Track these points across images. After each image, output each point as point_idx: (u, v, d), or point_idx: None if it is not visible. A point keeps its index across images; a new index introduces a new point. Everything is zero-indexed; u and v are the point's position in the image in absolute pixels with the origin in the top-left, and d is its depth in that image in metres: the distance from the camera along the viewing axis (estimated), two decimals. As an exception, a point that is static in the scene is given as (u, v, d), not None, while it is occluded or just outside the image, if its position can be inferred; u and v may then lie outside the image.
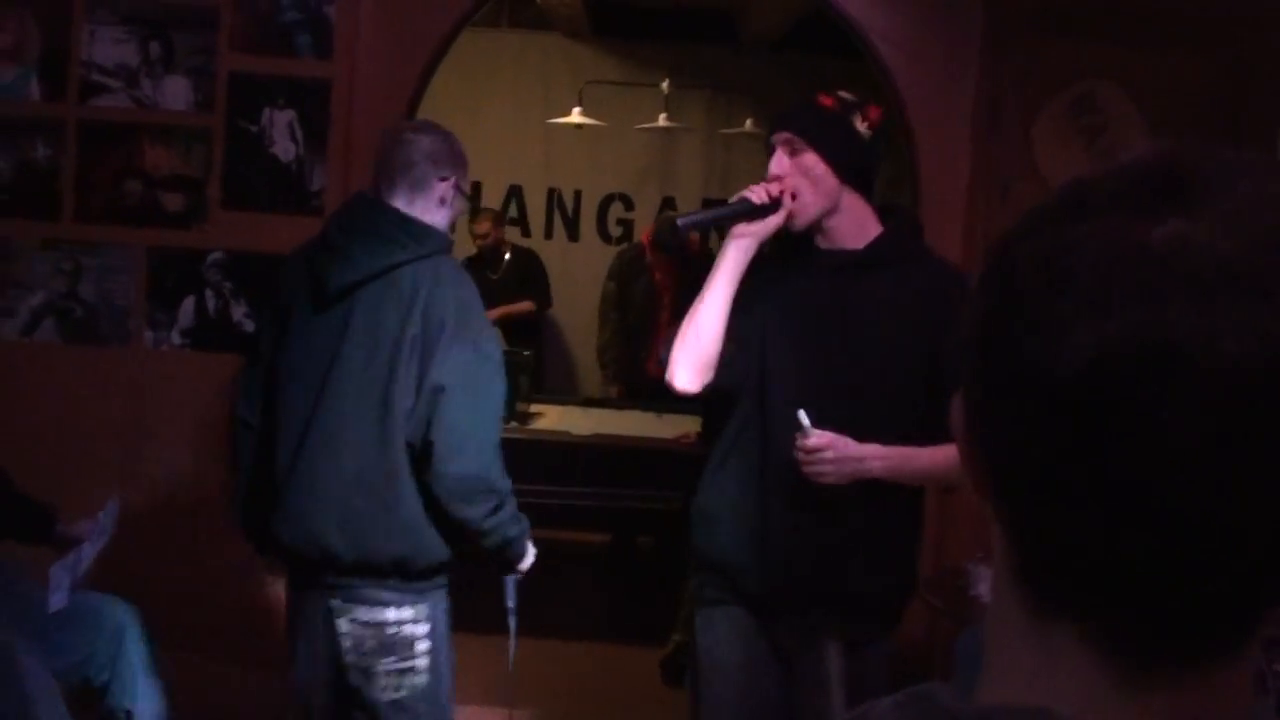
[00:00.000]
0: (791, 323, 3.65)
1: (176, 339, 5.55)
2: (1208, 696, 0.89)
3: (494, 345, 3.98)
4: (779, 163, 3.65)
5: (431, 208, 4.03)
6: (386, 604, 3.94)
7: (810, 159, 3.61)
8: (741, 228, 3.67)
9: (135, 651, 4.59)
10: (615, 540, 9.12)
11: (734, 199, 3.67)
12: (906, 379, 3.57)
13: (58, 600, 4.26)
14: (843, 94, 3.71)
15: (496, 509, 3.90)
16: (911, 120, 5.64)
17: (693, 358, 3.69)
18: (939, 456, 3.47)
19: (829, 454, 3.43)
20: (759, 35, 10.85)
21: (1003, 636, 0.97)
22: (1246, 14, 5.59)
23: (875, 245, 3.68)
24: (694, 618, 3.92)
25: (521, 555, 4.17)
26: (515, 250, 9.93)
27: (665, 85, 9.99)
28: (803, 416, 3.40)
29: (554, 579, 8.35)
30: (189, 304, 5.55)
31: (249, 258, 5.54)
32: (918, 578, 3.90)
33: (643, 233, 9.84)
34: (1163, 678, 0.89)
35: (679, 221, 3.79)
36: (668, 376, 3.70)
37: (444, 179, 4.05)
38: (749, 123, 10.38)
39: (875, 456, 3.46)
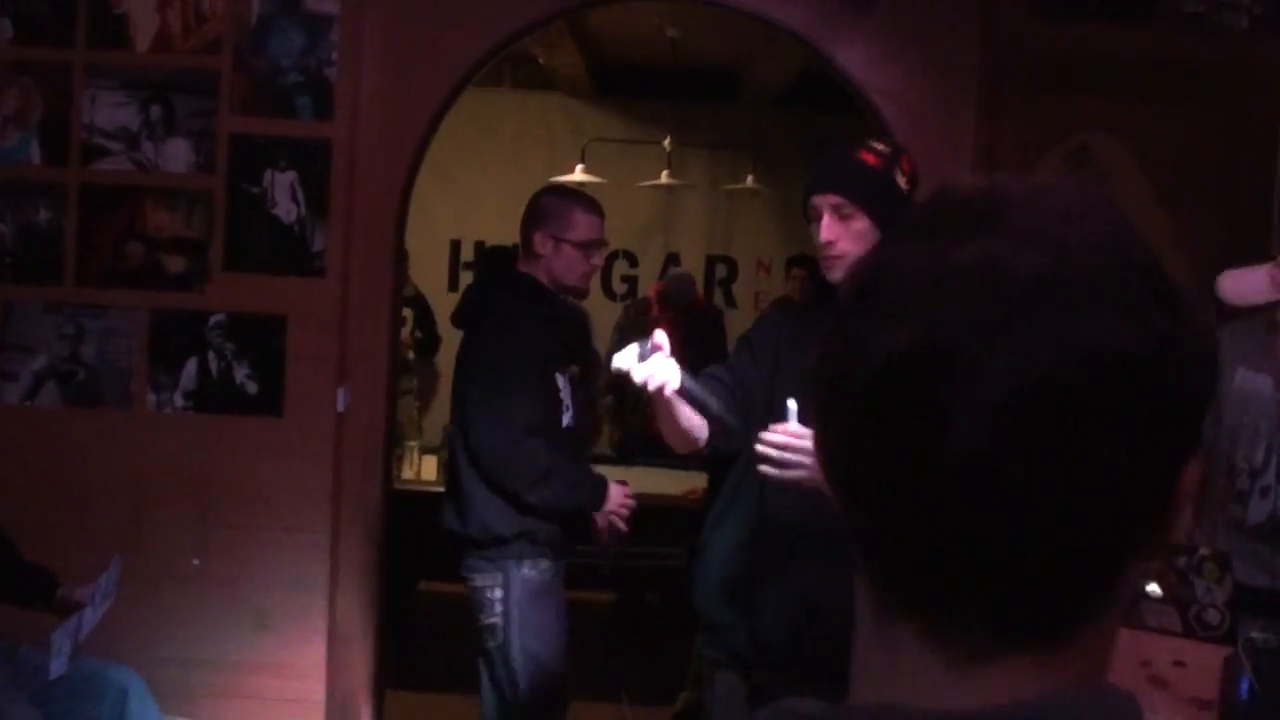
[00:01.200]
0: (795, 381, 3.61)
1: (179, 401, 5.56)
2: (1045, 671, 0.92)
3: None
4: (830, 228, 3.51)
5: (529, 260, 5.02)
6: (473, 570, 4.92)
7: (861, 224, 3.49)
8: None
9: (138, 716, 4.58)
10: (623, 598, 9.09)
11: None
12: None
13: (58, 666, 4.24)
14: (879, 146, 3.63)
15: (536, 482, 4.77)
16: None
17: (672, 439, 3.71)
18: None
19: (808, 443, 3.23)
20: (760, 92, 10.90)
21: (860, 643, 1.01)
22: (1240, 66, 5.61)
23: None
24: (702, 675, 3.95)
25: (594, 506, 5.09)
26: None
27: (667, 143, 10.03)
28: (792, 405, 3.31)
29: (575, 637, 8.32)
30: (191, 366, 5.55)
31: (251, 319, 5.55)
32: None
33: (649, 288, 9.86)
34: (993, 661, 0.92)
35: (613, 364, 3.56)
36: None
37: (535, 231, 4.98)
38: (750, 179, 10.42)
39: None
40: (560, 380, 4.94)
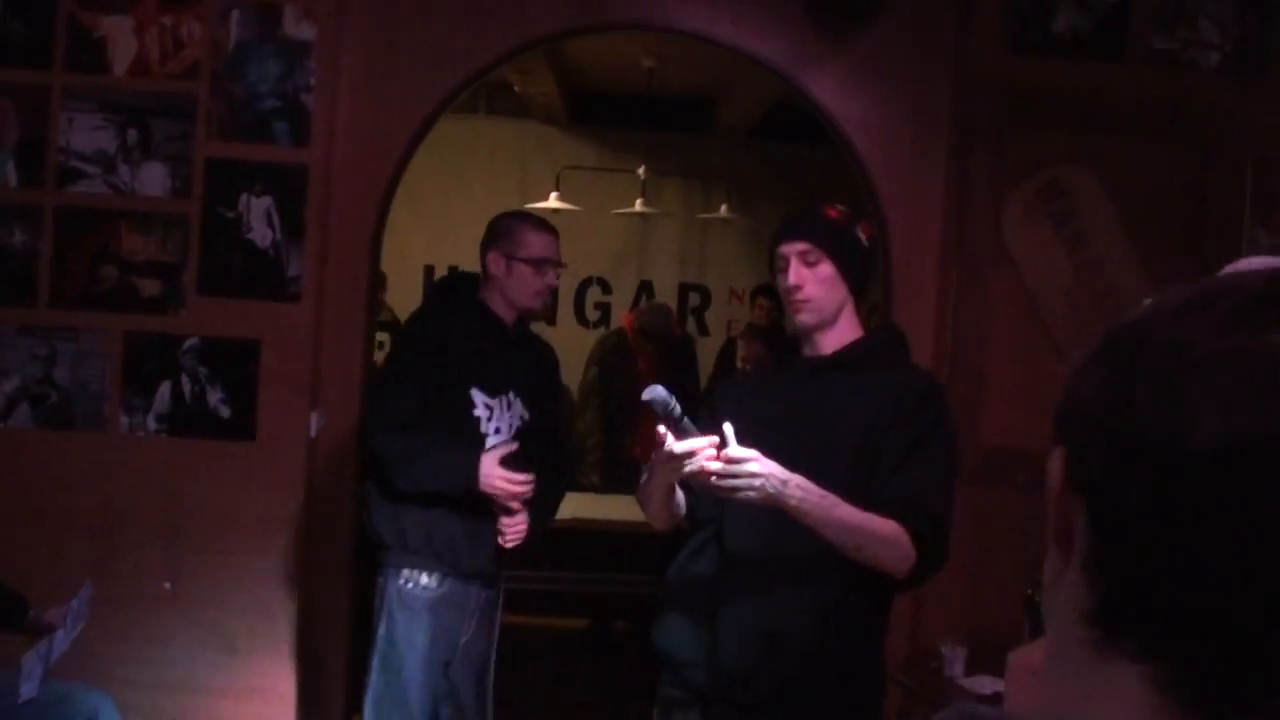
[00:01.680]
0: (759, 428, 3.64)
1: (152, 425, 5.56)
2: None
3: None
4: (797, 273, 3.66)
5: (487, 285, 5.05)
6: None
7: (826, 269, 3.67)
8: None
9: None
10: (593, 625, 9.09)
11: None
12: (854, 478, 3.54)
13: (29, 689, 4.24)
14: (840, 207, 3.81)
15: (396, 465, 4.79)
16: (883, 205, 5.69)
17: (660, 518, 3.78)
18: (860, 517, 3.41)
19: (752, 465, 3.30)
20: (734, 123, 10.94)
21: (1061, 675, 1.04)
22: (1209, 102, 5.67)
23: (847, 349, 3.72)
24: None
25: (464, 484, 4.81)
26: None
27: (642, 171, 10.06)
28: (728, 428, 3.37)
29: (532, 664, 8.32)
30: (165, 389, 5.56)
31: (225, 343, 5.55)
32: (881, 688, 3.81)
33: (624, 318, 9.87)
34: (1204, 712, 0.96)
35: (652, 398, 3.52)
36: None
37: (488, 252, 5.03)
38: (724, 208, 10.45)
39: (798, 485, 3.35)
40: (480, 398, 4.86)
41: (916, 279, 5.69)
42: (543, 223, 5.09)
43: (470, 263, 11.24)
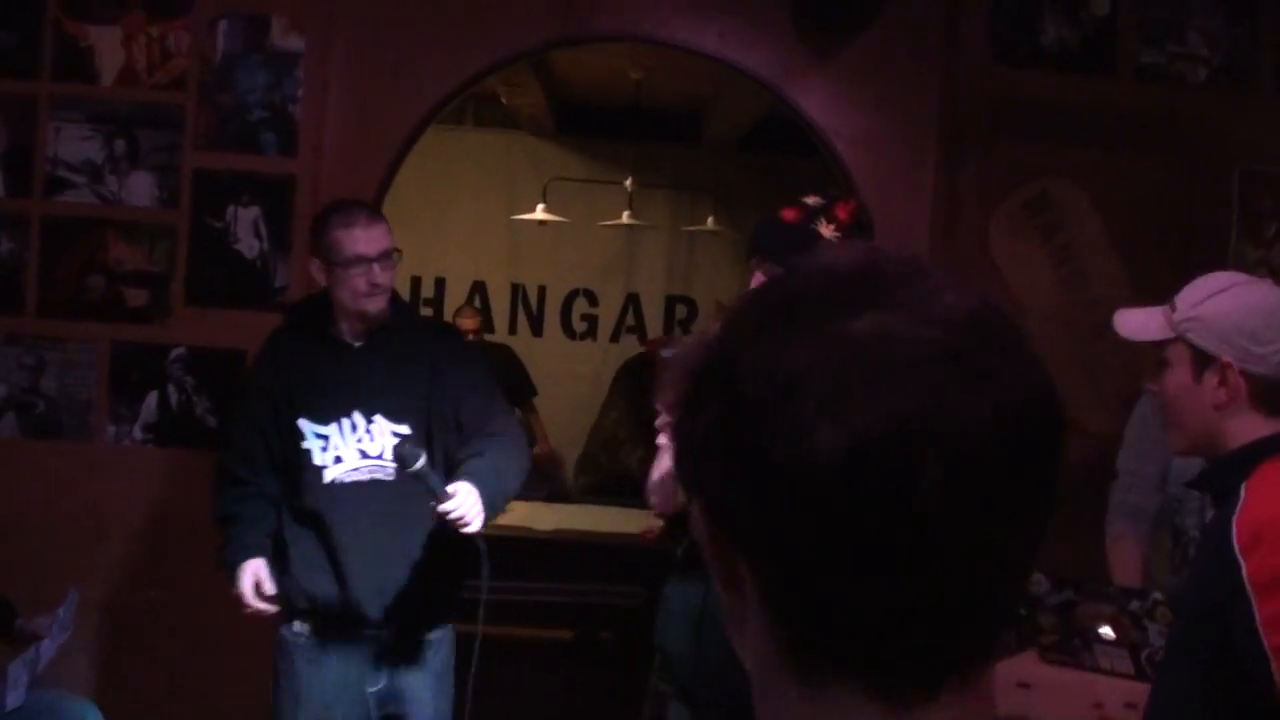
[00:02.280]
0: None
1: (139, 434, 5.55)
2: (962, 701, 0.98)
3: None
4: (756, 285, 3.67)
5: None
6: None
7: None
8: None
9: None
10: (578, 636, 9.07)
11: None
12: None
13: (15, 698, 4.23)
14: (808, 200, 3.70)
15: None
16: (870, 218, 5.68)
17: (658, 497, 3.84)
18: None
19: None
20: (721, 135, 10.93)
21: (779, 704, 1.03)
22: (1197, 116, 5.68)
23: None
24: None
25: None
26: (489, 347, 9.88)
27: (629, 183, 10.05)
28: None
29: (516, 675, 8.30)
30: (152, 399, 5.55)
31: (212, 353, 5.55)
32: None
33: (649, 343, 9.86)
34: (925, 701, 0.97)
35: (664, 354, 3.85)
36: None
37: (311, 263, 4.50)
38: (711, 220, 10.45)
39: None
40: (309, 428, 4.33)
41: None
42: (353, 216, 4.38)
43: (457, 273, 11.28)
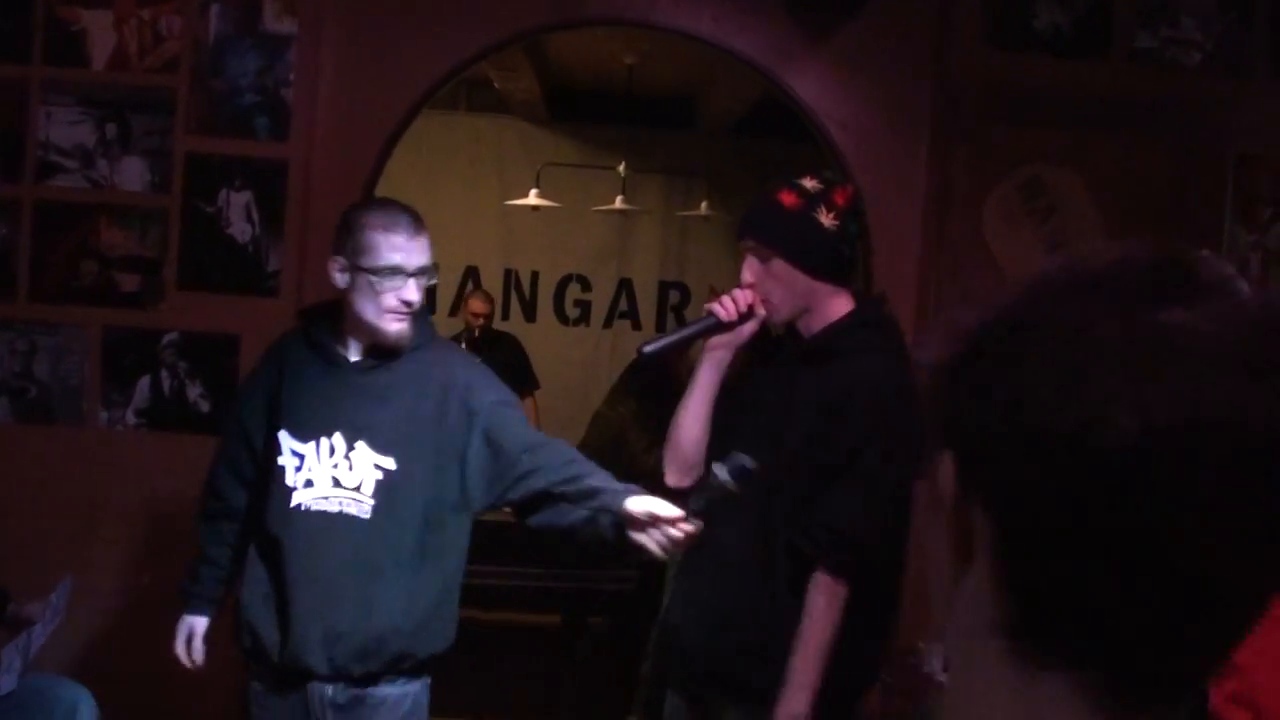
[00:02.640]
0: (746, 413, 3.68)
1: (131, 419, 5.54)
2: None
3: None
4: (749, 269, 3.63)
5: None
6: None
7: (778, 264, 3.59)
8: (715, 340, 3.69)
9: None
10: (566, 621, 9.06)
11: (702, 315, 3.68)
12: (809, 473, 3.52)
13: (7, 682, 4.23)
14: (806, 183, 3.66)
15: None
16: (864, 202, 5.69)
17: (676, 460, 3.79)
18: (812, 647, 3.46)
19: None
20: (714, 120, 10.93)
21: (979, 691, 1.02)
22: (1191, 101, 5.68)
23: (816, 337, 3.66)
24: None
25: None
26: (497, 335, 9.87)
27: (622, 168, 10.05)
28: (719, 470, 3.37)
29: (505, 661, 8.32)
30: (144, 384, 5.54)
31: (205, 338, 5.54)
32: (849, 680, 3.65)
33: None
34: (1133, 717, 0.96)
35: (645, 349, 3.68)
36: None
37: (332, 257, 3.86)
38: (704, 205, 10.46)
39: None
40: (287, 442, 3.86)
41: (897, 275, 5.68)
42: (396, 220, 3.82)
43: (450, 259, 11.26)
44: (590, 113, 11.06)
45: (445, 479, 3.85)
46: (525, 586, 7.46)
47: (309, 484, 3.81)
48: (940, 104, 5.69)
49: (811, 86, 5.72)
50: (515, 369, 9.59)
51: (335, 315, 3.93)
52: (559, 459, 3.86)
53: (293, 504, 3.81)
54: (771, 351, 3.79)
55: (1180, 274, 0.97)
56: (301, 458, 3.84)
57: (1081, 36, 5.71)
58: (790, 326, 3.71)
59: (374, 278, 3.74)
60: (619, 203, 10.03)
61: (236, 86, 5.53)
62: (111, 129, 5.53)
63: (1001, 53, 5.70)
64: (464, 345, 9.37)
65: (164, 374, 5.54)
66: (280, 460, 3.84)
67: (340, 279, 3.80)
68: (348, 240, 3.78)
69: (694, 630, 3.70)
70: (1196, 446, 0.89)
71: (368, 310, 3.78)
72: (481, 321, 9.59)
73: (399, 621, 3.81)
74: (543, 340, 10.92)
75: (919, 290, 5.67)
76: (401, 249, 3.75)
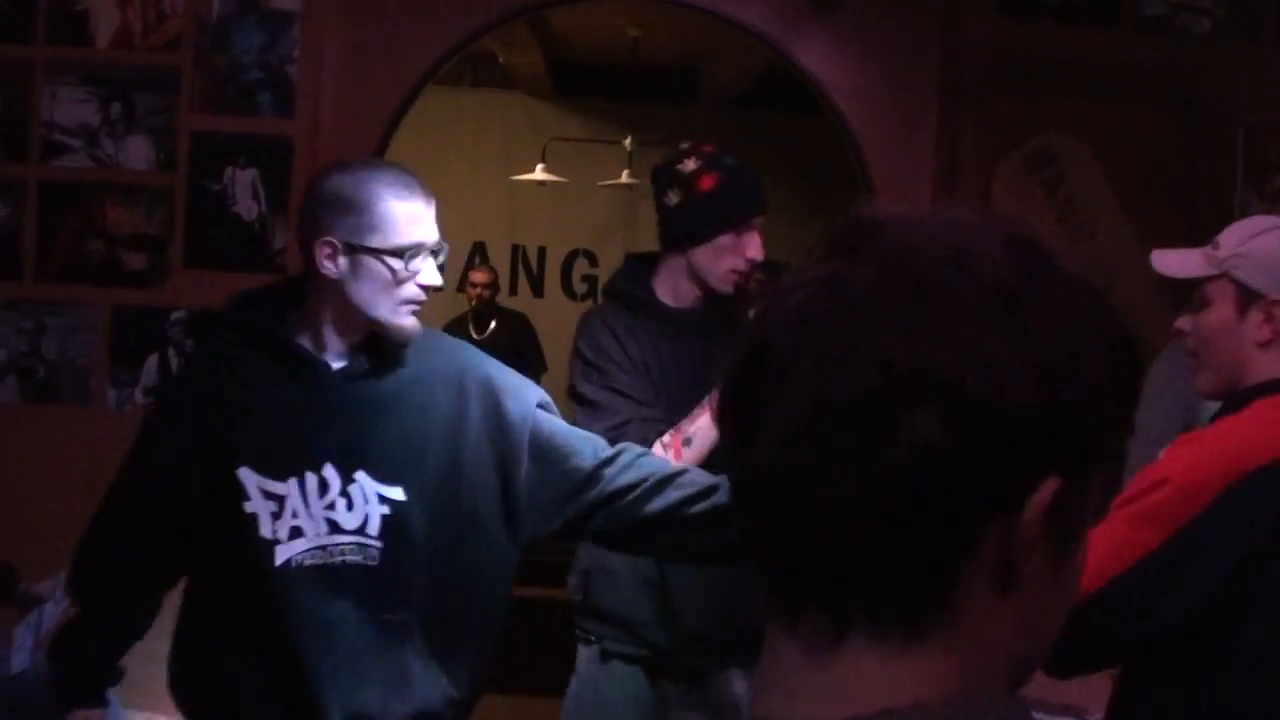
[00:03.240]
0: (677, 387, 3.76)
1: (139, 398, 5.53)
2: (914, 667, 0.95)
3: None
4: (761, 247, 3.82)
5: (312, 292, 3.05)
6: None
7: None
8: None
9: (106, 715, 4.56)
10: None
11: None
12: None
13: (19, 661, 4.23)
14: (669, 152, 3.99)
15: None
16: (872, 174, 5.67)
17: (687, 458, 3.77)
18: None
19: None
20: (720, 92, 10.92)
21: (764, 661, 1.04)
22: (1201, 68, 5.65)
23: (722, 303, 3.84)
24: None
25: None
26: (504, 313, 9.87)
27: (628, 142, 10.05)
28: None
29: (520, 635, 8.30)
30: (152, 363, 5.53)
31: (212, 316, 5.53)
32: None
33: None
34: (845, 649, 0.96)
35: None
36: None
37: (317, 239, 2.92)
38: (711, 179, 10.43)
39: None
40: (253, 483, 2.90)
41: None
42: (410, 186, 2.96)
43: (457, 235, 11.21)
44: (595, 87, 11.06)
45: (476, 505, 3.03)
46: (541, 561, 7.46)
47: (296, 533, 2.90)
48: (947, 73, 5.66)
49: (817, 57, 5.70)
50: (522, 348, 9.58)
51: (286, 306, 3.07)
52: (659, 471, 3.09)
53: (278, 562, 2.88)
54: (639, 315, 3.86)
55: (863, 232, 1.01)
56: (279, 501, 2.90)
57: (1090, 3, 5.68)
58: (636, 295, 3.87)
59: (394, 261, 2.87)
60: (625, 177, 10.02)
61: (240, 64, 5.52)
62: (116, 108, 5.51)
63: (1010, 21, 5.67)
64: (470, 321, 9.39)
65: (171, 352, 5.53)
66: (248, 507, 2.88)
67: (332, 267, 2.88)
68: (344, 216, 2.88)
69: (702, 610, 3.78)
70: (753, 381, 0.97)
71: (378, 304, 2.90)
72: (482, 293, 9.57)
73: (448, 689, 3.02)
74: (551, 315, 10.91)
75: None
76: (422, 220, 2.94)
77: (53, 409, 5.53)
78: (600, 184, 10.41)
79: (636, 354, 3.74)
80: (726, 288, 3.78)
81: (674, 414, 3.58)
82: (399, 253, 2.86)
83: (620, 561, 3.79)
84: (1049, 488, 0.93)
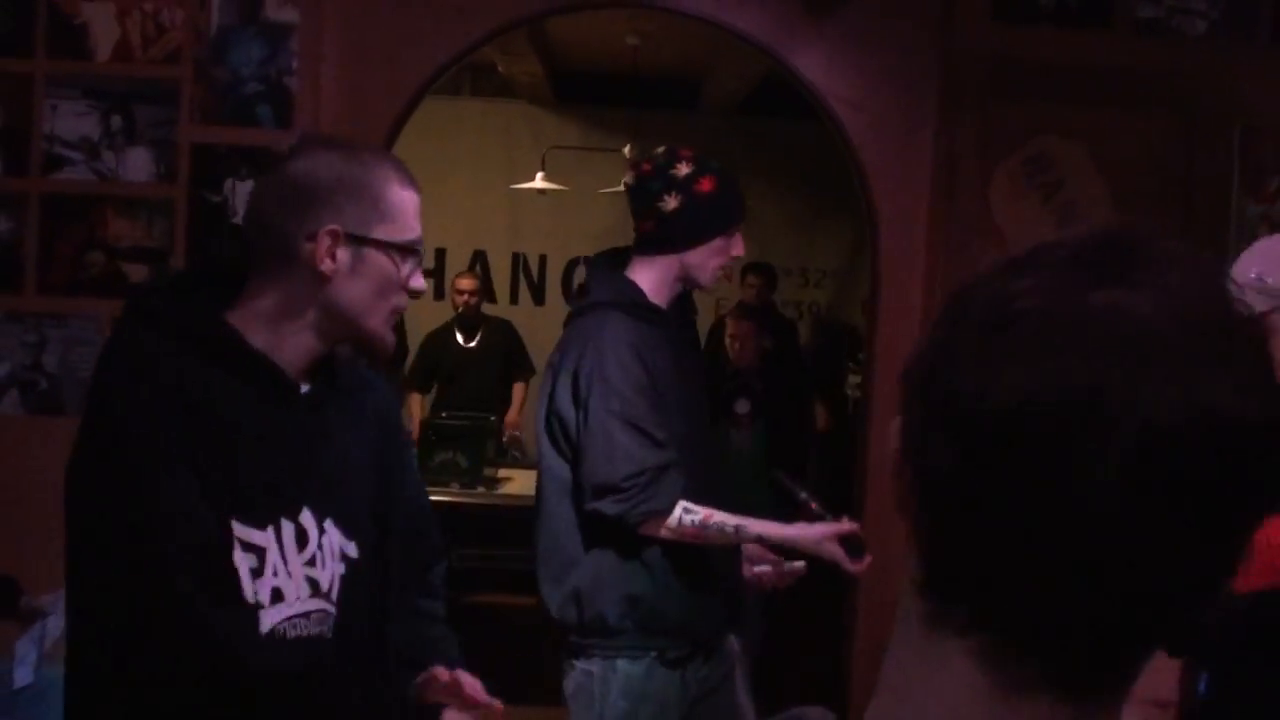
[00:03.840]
0: (678, 385, 3.87)
1: (141, 410, 5.54)
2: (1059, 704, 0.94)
3: None
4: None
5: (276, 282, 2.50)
6: None
7: None
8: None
9: None
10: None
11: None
12: None
13: (23, 675, 4.23)
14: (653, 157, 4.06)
15: None
16: (870, 180, 5.68)
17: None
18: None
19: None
20: (720, 100, 10.92)
21: (898, 650, 1.03)
22: (1197, 71, 5.65)
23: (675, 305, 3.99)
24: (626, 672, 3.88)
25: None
26: (490, 320, 9.89)
27: (628, 150, 10.03)
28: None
29: (522, 644, 8.31)
30: (153, 375, 5.54)
31: (213, 328, 5.54)
32: None
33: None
34: (1035, 702, 0.94)
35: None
36: (645, 524, 3.71)
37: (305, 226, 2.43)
38: (711, 186, 10.43)
39: None
40: (241, 534, 2.30)
41: (904, 252, 5.68)
42: (407, 174, 2.53)
43: (458, 244, 11.25)
44: (595, 95, 11.06)
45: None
46: (514, 570, 7.47)
47: (277, 596, 2.34)
48: (945, 79, 5.67)
49: (815, 65, 5.71)
50: (510, 353, 9.64)
51: (218, 305, 2.50)
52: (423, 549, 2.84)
53: (265, 630, 2.32)
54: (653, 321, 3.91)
55: (1122, 253, 0.97)
56: (260, 554, 2.33)
57: (1086, 7, 5.69)
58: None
59: (400, 258, 2.46)
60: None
61: (240, 76, 5.53)
62: (116, 121, 5.53)
63: (1006, 26, 5.68)
64: (456, 328, 9.45)
65: (173, 364, 5.54)
66: (236, 561, 2.30)
67: (328, 261, 2.40)
68: (351, 200, 2.43)
69: (736, 581, 3.95)
70: (1077, 422, 0.89)
71: (372, 310, 2.46)
72: (469, 300, 9.59)
73: None
74: (552, 323, 10.83)
75: (926, 265, 5.67)
76: (418, 215, 2.52)
77: (55, 421, 5.53)
78: (601, 191, 10.41)
79: (657, 370, 3.78)
80: (712, 284, 3.99)
81: (683, 416, 3.79)
82: (408, 249, 2.46)
83: (628, 572, 3.81)
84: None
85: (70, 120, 5.52)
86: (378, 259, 2.43)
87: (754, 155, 10.73)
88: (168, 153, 5.52)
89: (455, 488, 7.57)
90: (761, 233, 10.01)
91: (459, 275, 9.92)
